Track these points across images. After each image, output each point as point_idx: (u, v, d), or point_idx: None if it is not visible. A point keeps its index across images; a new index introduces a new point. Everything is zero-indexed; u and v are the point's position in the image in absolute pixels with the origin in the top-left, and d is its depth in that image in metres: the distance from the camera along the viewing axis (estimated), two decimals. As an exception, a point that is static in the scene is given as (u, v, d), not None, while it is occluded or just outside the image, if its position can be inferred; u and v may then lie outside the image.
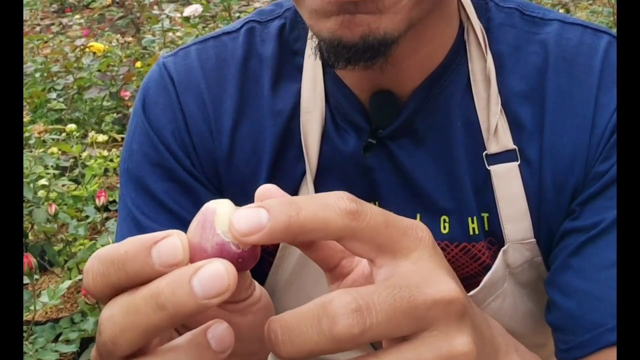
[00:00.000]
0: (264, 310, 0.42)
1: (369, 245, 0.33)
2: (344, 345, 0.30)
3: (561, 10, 3.82)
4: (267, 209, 0.31)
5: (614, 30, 0.67)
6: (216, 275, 0.30)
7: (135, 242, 0.32)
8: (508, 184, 0.65)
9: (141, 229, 0.68)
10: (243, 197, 0.69)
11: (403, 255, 0.33)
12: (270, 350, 0.32)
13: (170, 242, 0.31)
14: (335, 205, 0.32)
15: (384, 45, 0.54)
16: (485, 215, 0.66)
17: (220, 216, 0.32)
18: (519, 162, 0.65)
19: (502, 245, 0.66)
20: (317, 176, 0.68)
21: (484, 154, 0.65)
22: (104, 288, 0.32)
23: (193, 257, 0.32)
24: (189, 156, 0.69)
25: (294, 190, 0.68)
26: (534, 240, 0.66)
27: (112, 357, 0.32)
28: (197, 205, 0.68)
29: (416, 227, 0.34)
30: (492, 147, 0.65)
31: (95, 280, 0.32)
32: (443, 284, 0.33)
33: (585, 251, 0.62)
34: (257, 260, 0.34)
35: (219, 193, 0.70)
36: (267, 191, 0.38)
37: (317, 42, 0.57)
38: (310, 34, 0.67)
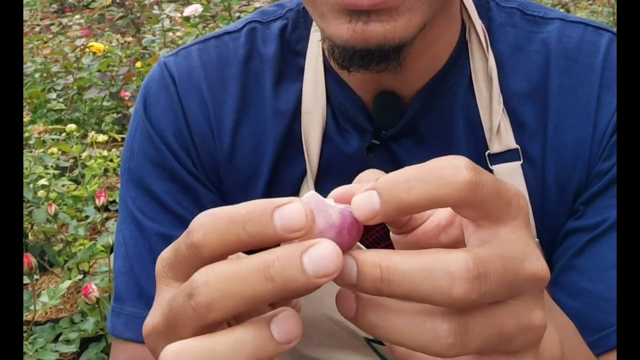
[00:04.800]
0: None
1: (478, 212, 0.33)
2: (455, 306, 0.31)
3: (561, 10, 3.82)
4: (379, 192, 0.31)
5: (615, 29, 0.67)
6: (327, 255, 0.30)
7: (256, 204, 0.32)
8: (511, 184, 0.64)
9: (142, 230, 0.68)
10: (244, 197, 0.70)
11: (503, 222, 0.34)
12: (357, 286, 0.31)
13: (293, 207, 0.31)
14: (453, 179, 0.31)
15: (398, 50, 0.55)
16: None
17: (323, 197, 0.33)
18: (521, 161, 0.65)
19: None
20: (318, 177, 0.68)
21: (486, 153, 0.65)
22: (216, 245, 0.32)
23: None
24: (190, 156, 0.69)
25: (294, 191, 0.68)
26: (537, 240, 0.66)
27: (196, 322, 0.32)
28: (198, 205, 0.68)
29: (519, 197, 0.34)
30: (495, 147, 0.65)
31: (208, 236, 0.32)
32: (537, 258, 0.34)
33: (589, 251, 0.62)
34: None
35: (220, 193, 0.70)
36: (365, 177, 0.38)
37: (328, 45, 0.57)
38: (318, 35, 0.67)
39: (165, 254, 0.35)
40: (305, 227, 0.31)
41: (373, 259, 0.31)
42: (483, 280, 0.30)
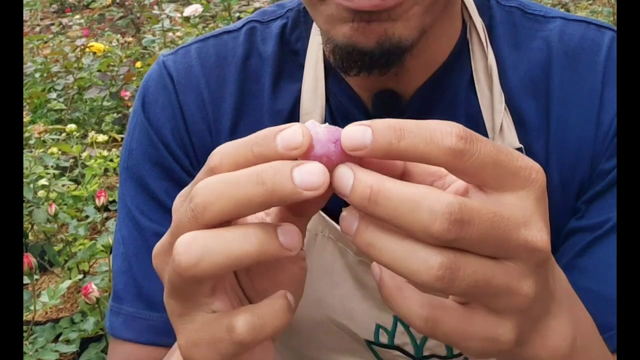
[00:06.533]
0: (301, 272, 0.43)
1: (472, 178, 0.35)
2: (431, 241, 0.33)
3: (561, 10, 3.82)
4: (373, 130, 0.34)
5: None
6: (315, 171, 0.34)
7: (263, 131, 0.36)
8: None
9: (140, 228, 0.68)
10: None
11: (509, 190, 0.35)
12: (348, 197, 0.34)
13: (293, 129, 0.35)
14: (439, 142, 0.33)
15: (398, 51, 0.55)
16: None
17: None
18: None
19: None
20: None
21: None
22: (229, 164, 0.36)
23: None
24: (187, 155, 0.68)
25: None
26: None
27: (193, 223, 0.36)
28: None
29: (531, 169, 0.35)
30: None
31: (223, 159, 0.36)
32: (538, 229, 0.35)
33: (591, 251, 0.62)
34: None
35: None
36: None
37: (331, 48, 0.57)
38: (319, 37, 0.67)
39: (184, 190, 0.39)
40: (304, 145, 0.34)
41: (367, 179, 0.34)
42: (465, 225, 0.32)
